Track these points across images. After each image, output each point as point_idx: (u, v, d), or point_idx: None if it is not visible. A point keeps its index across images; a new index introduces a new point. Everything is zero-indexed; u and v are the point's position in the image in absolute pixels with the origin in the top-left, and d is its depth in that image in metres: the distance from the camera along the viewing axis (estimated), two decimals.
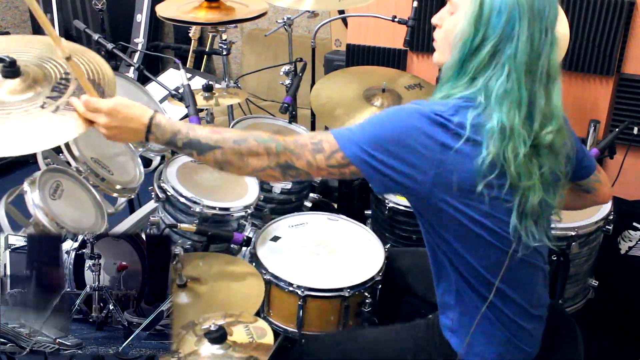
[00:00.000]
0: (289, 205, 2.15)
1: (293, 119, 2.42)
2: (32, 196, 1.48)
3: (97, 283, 1.29)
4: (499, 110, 1.13)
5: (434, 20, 1.29)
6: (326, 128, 2.43)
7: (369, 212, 2.23)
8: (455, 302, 1.29)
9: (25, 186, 1.50)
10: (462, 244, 1.20)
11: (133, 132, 1.22)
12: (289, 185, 2.08)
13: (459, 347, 1.30)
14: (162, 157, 2.16)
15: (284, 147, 1.16)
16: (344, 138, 1.16)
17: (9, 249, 1.27)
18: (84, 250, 1.29)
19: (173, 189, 1.82)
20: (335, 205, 2.36)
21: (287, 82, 2.42)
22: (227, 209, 1.85)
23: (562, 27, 2.12)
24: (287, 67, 2.44)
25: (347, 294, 1.67)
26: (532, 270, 1.28)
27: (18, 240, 1.28)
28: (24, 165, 3.62)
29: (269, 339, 1.29)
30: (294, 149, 1.16)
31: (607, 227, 1.99)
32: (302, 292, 1.65)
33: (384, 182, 1.16)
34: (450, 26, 1.22)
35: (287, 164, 1.17)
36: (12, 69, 1.24)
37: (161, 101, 2.64)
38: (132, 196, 1.90)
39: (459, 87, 1.18)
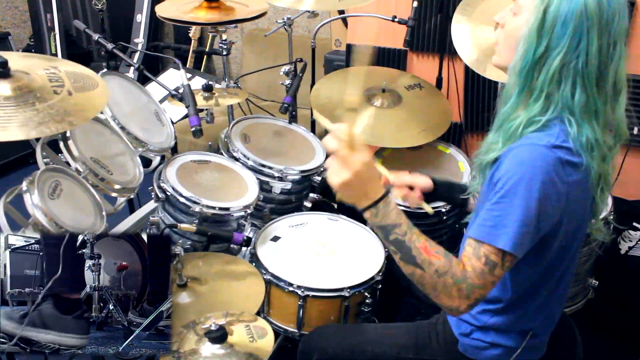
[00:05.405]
0: (289, 205, 2.15)
1: (293, 119, 2.41)
2: (31, 196, 1.48)
3: (97, 283, 1.29)
4: (585, 124, 1.11)
5: (496, 17, 1.22)
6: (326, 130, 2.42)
7: None
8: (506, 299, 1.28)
9: (24, 186, 1.50)
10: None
11: (363, 191, 1.13)
12: (289, 185, 2.07)
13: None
14: (162, 157, 2.16)
15: (472, 286, 1.10)
16: (503, 239, 1.09)
17: (9, 249, 1.26)
18: (84, 250, 1.29)
19: (173, 188, 1.82)
20: (335, 205, 2.35)
21: (287, 82, 2.42)
22: (226, 209, 1.85)
23: None
24: (287, 67, 2.44)
25: (347, 294, 1.66)
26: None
27: (17, 240, 1.28)
28: (23, 165, 3.61)
29: (269, 338, 1.29)
30: (479, 282, 1.10)
31: (607, 227, 1.99)
32: (302, 292, 1.65)
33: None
34: (513, 29, 1.16)
35: (476, 301, 1.12)
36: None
37: (161, 101, 2.64)
38: (132, 196, 1.89)
39: (536, 109, 1.13)
